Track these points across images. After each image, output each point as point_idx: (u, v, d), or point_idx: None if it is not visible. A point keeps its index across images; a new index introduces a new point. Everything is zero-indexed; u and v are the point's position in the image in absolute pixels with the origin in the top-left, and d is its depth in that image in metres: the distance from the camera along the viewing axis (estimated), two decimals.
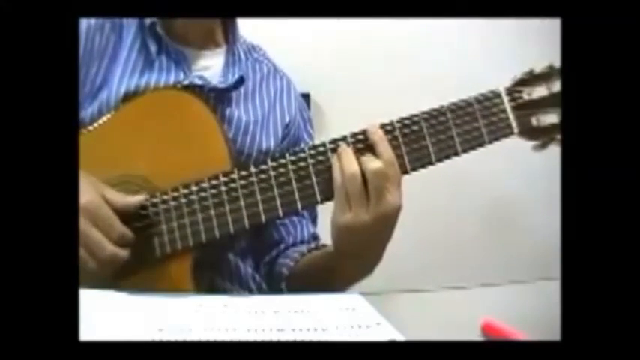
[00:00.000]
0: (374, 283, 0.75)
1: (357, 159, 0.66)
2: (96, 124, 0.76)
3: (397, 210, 0.66)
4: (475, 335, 0.50)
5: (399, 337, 0.46)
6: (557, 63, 0.69)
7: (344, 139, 0.69)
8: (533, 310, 0.61)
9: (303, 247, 0.87)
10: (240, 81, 0.85)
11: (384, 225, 0.67)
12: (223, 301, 0.56)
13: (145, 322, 0.48)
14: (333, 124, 1.90)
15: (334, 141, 0.69)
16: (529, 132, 0.71)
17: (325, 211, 0.94)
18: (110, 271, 0.65)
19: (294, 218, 0.90)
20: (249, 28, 0.96)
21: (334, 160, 0.67)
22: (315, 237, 0.91)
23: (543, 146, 0.72)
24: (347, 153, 0.67)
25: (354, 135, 0.69)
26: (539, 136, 0.71)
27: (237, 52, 0.90)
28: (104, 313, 0.50)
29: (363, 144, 0.68)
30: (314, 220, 0.94)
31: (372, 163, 0.65)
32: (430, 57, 2.01)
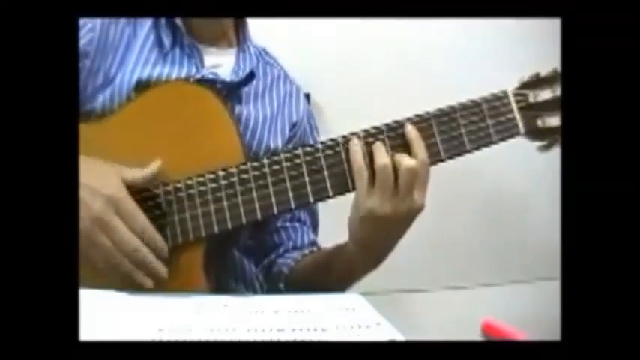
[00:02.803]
0: (374, 283, 0.75)
1: (391, 153, 0.68)
2: (108, 116, 0.76)
3: (419, 210, 0.68)
4: (475, 335, 0.50)
5: (399, 337, 0.46)
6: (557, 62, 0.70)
7: (380, 131, 0.70)
8: (533, 310, 0.61)
9: (305, 250, 0.88)
10: (251, 76, 0.85)
11: (404, 221, 0.69)
12: (223, 301, 0.56)
13: (145, 322, 0.48)
14: (333, 124, 1.90)
15: (346, 136, 0.70)
16: (534, 133, 0.73)
17: (326, 217, 0.95)
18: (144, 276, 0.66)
19: (296, 224, 0.91)
20: (254, 29, 0.96)
21: (355, 146, 0.68)
22: (314, 243, 0.91)
23: (548, 147, 0.73)
24: (378, 146, 0.68)
25: (388, 127, 0.70)
26: (544, 137, 0.73)
27: (248, 51, 0.91)
28: (104, 313, 0.50)
29: (395, 138, 0.70)
30: (315, 228, 0.94)
31: (407, 160, 0.67)
32: (431, 57, 2.01)
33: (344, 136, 0.70)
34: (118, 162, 0.70)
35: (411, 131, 0.69)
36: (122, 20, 0.81)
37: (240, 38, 0.91)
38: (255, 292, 0.86)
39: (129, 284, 0.64)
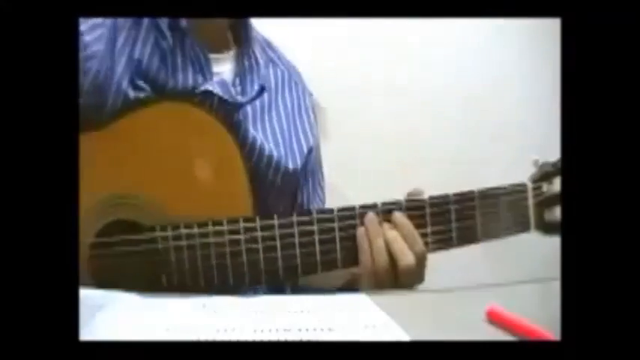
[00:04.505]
0: None
1: (388, 248, 0.65)
2: (106, 128, 0.69)
3: (421, 282, 0.69)
4: (477, 335, 0.50)
5: (405, 337, 0.46)
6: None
7: (374, 206, 0.67)
8: (533, 310, 0.61)
9: None
10: (261, 91, 0.78)
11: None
12: (229, 302, 0.56)
13: (151, 323, 0.48)
14: (335, 125, 1.89)
15: (364, 207, 0.67)
16: (540, 227, 0.72)
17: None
18: None
19: None
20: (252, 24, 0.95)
21: (363, 241, 0.66)
22: None
23: (546, 235, 0.73)
24: (378, 241, 0.65)
25: (385, 204, 0.67)
26: (547, 229, 0.72)
27: (254, 55, 0.82)
28: (110, 314, 0.50)
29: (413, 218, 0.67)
30: None
31: (406, 259, 0.65)
32: (432, 58, 2.00)
33: (362, 207, 0.67)
34: (108, 186, 0.65)
35: (404, 223, 0.66)
36: (127, 24, 0.76)
37: (242, 38, 0.83)
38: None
39: None
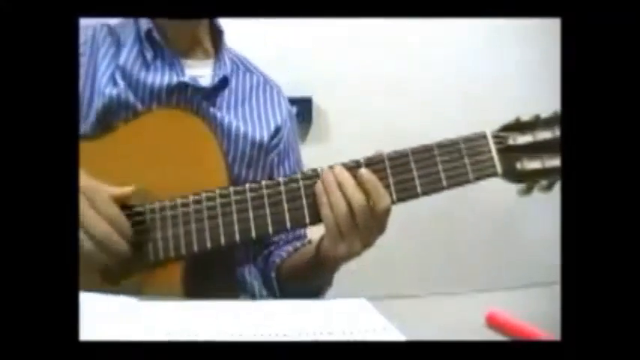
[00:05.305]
0: (378, 288, 0.75)
1: (345, 195, 0.69)
2: (101, 136, 0.78)
3: (382, 233, 0.71)
4: (479, 338, 0.50)
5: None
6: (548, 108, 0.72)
7: (357, 165, 0.71)
8: (533, 310, 0.61)
9: (297, 243, 0.92)
10: (224, 81, 0.88)
11: (372, 244, 0.71)
12: (229, 306, 0.56)
13: (152, 327, 0.48)
14: (335, 126, 1.90)
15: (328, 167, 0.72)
16: (513, 175, 0.73)
17: None
18: (106, 256, 0.67)
19: None
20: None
21: (321, 195, 0.70)
22: (306, 236, 0.95)
23: (527, 191, 0.74)
24: (334, 191, 0.69)
25: (344, 165, 0.71)
26: (522, 179, 0.73)
27: (224, 59, 0.94)
28: (110, 318, 0.50)
29: (354, 173, 0.71)
30: None
31: (360, 200, 0.68)
32: (432, 58, 2.01)
33: (329, 167, 0.72)
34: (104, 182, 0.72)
35: (364, 174, 0.70)
36: (107, 42, 0.85)
37: (218, 47, 0.94)
38: (253, 295, 0.88)
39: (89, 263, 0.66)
